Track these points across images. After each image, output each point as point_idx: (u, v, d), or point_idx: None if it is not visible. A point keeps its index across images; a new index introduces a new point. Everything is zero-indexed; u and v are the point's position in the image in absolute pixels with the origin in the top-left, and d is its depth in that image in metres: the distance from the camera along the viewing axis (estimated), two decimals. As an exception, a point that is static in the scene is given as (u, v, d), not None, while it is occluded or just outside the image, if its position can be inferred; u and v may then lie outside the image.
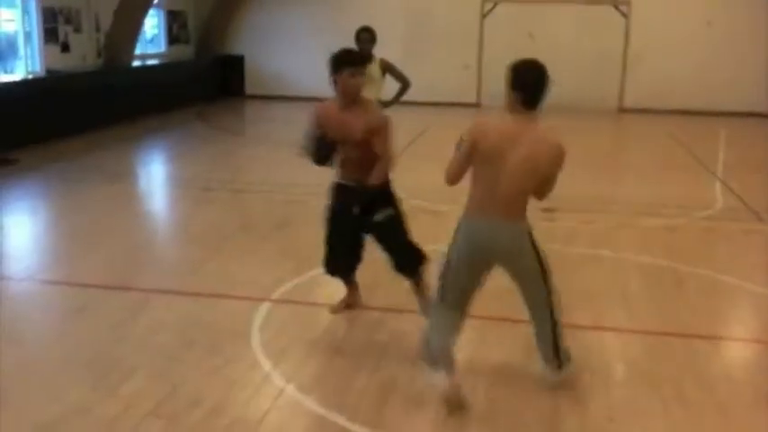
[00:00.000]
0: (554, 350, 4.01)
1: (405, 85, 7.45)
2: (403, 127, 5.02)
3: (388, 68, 7.36)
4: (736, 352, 4.97)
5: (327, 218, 4.84)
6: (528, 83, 3.71)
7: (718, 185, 9.61)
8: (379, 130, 4.52)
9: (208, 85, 17.69)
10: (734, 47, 16.57)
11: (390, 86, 7.34)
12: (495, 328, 4.88)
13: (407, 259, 4.81)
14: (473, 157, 3.78)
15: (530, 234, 3.88)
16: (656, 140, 13.76)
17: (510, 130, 3.75)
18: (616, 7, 16.83)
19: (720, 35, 16.58)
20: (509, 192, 3.74)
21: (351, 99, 4.58)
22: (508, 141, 3.70)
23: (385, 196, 4.69)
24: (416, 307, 4.89)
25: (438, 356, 3.85)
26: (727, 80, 16.66)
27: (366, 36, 7.31)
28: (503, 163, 3.70)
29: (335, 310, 5.13)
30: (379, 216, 4.65)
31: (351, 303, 5.16)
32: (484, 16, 17.38)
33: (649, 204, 8.49)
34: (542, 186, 3.85)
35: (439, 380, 3.83)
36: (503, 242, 3.83)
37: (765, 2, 16.15)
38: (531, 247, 3.88)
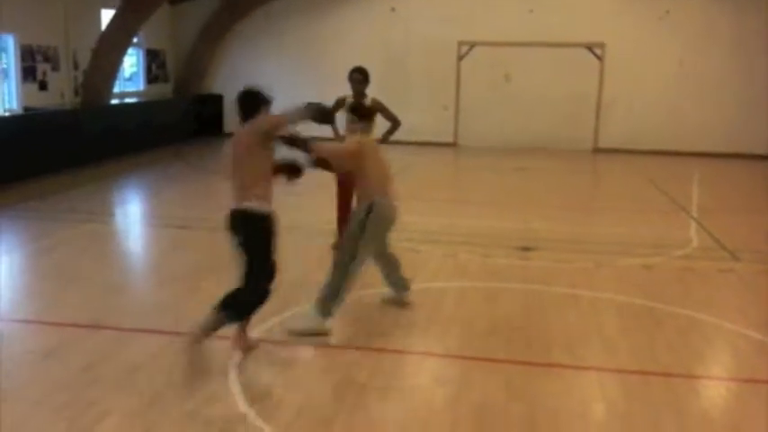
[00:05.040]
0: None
1: (395, 124, 7.51)
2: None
3: (379, 108, 7.37)
4: (715, 391, 4.97)
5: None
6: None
7: (693, 225, 9.71)
8: None
9: (186, 123, 17.67)
10: (706, 88, 16.92)
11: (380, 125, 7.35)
12: (477, 369, 4.87)
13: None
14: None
15: None
16: (630, 181, 13.92)
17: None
18: (590, 50, 17.15)
19: (692, 77, 16.94)
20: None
21: None
22: None
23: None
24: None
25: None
26: (699, 121, 16.98)
27: (358, 77, 7.38)
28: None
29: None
30: None
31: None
32: (460, 59, 17.62)
33: (625, 244, 8.55)
34: None
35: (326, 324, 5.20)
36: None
37: (735, 44, 16.54)
38: None
